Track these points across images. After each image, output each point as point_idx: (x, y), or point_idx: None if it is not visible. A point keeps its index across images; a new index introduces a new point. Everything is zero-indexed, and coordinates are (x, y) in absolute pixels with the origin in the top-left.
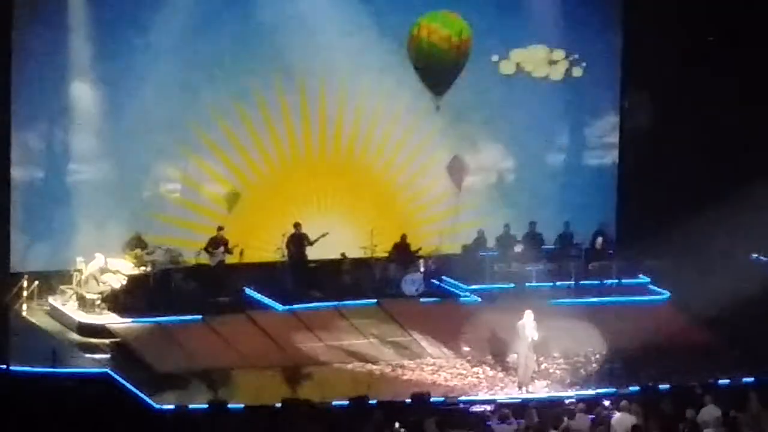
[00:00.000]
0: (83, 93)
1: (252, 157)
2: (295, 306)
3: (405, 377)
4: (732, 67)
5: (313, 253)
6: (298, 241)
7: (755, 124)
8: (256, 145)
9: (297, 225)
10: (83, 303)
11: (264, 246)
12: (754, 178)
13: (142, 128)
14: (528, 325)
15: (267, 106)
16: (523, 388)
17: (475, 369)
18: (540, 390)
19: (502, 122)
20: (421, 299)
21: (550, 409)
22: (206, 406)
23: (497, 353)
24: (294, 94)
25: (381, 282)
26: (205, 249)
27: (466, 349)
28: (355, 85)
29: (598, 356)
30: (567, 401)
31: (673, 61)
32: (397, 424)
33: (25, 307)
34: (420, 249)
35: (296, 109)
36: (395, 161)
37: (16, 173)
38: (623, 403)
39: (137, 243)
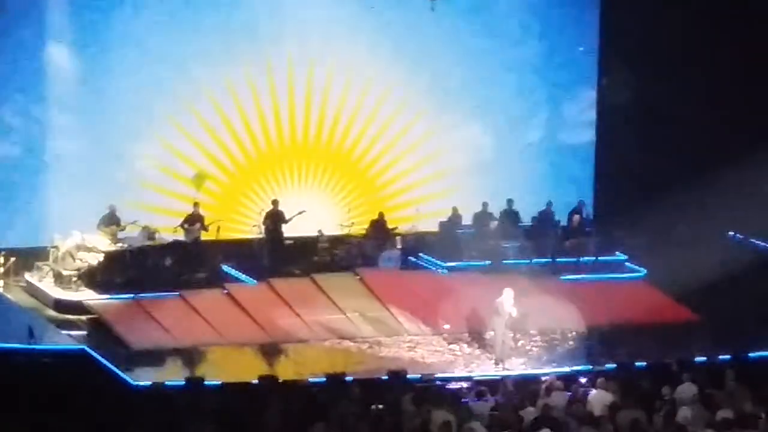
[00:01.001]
0: (60, 70)
1: (229, 134)
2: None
3: (382, 354)
4: (711, 43)
5: (290, 231)
6: (275, 218)
7: (734, 100)
8: (241, 122)
9: (275, 202)
10: (60, 279)
11: (241, 223)
12: (733, 156)
13: (118, 105)
14: (506, 302)
15: (254, 84)
16: (500, 365)
17: (452, 346)
18: (516, 367)
19: (479, 99)
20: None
21: (527, 386)
22: (183, 382)
23: (474, 329)
24: (268, 73)
25: (358, 259)
26: (181, 225)
27: (445, 325)
28: (331, 64)
29: (574, 333)
30: (543, 378)
31: (651, 38)
32: (377, 405)
33: (1, 283)
34: (397, 226)
35: (278, 88)
36: (373, 139)
37: None
38: (600, 380)
39: (111, 219)
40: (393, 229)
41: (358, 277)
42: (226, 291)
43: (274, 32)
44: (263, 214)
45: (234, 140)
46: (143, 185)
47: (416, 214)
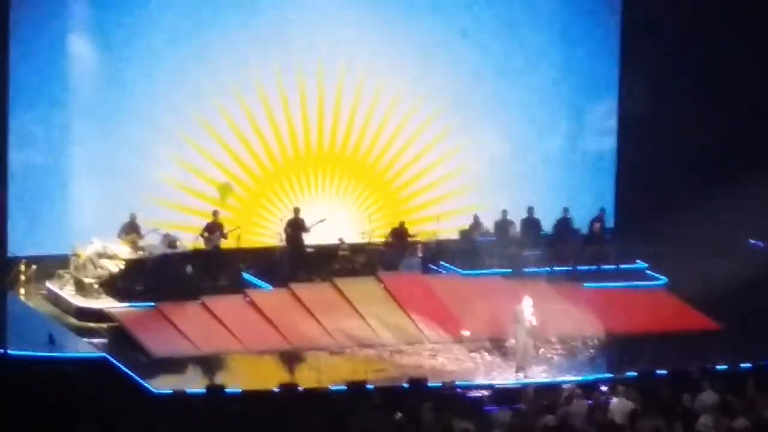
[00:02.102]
0: (83, 77)
1: (250, 142)
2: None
3: (402, 362)
4: (732, 51)
5: (311, 239)
6: (295, 226)
7: (756, 109)
8: (255, 132)
9: (296, 210)
10: (81, 287)
11: (262, 231)
12: (753, 163)
13: (140, 113)
14: (526, 310)
15: (266, 93)
16: (521, 374)
17: (473, 354)
18: (537, 375)
19: (499, 106)
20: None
21: (547, 394)
22: (204, 390)
23: (495, 337)
24: (294, 82)
25: (378, 266)
26: (201, 234)
27: (465, 332)
28: (353, 73)
29: (595, 341)
30: (564, 386)
31: (672, 45)
32: (397, 414)
33: (22, 291)
34: (417, 234)
35: (295, 96)
36: (393, 147)
37: (14, 157)
38: (621, 388)
39: (132, 228)
40: (414, 236)
41: (380, 282)
42: (246, 297)
43: (305, 39)
44: (284, 222)
45: (257, 147)
46: (161, 201)
47: (437, 222)
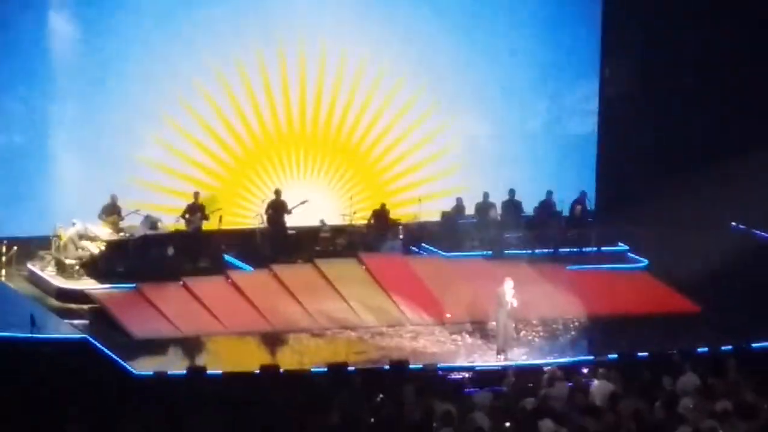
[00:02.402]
0: (63, 58)
1: (232, 123)
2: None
3: (383, 344)
4: (715, 32)
5: (292, 221)
6: (277, 208)
7: (737, 91)
8: (237, 113)
9: (277, 192)
10: (62, 268)
11: (243, 213)
12: (735, 147)
13: (122, 94)
14: (507, 292)
15: (248, 74)
16: (502, 356)
17: (454, 336)
18: (518, 357)
19: (481, 89)
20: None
21: (528, 376)
22: (185, 372)
23: (477, 319)
24: (275, 62)
25: (359, 248)
26: (182, 215)
27: (447, 315)
28: (335, 55)
29: (576, 324)
30: (545, 369)
31: (653, 28)
32: (378, 396)
33: (3, 272)
34: (399, 216)
35: (277, 77)
36: (375, 129)
37: None
38: (601, 370)
39: (113, 209)
40: (395, 218)
41: (361, 263)
42: (228, 278)
43: (286, 19)
44: (265, 203)
45: (238, 128)
46: (142, 182)
47: (418, 204)
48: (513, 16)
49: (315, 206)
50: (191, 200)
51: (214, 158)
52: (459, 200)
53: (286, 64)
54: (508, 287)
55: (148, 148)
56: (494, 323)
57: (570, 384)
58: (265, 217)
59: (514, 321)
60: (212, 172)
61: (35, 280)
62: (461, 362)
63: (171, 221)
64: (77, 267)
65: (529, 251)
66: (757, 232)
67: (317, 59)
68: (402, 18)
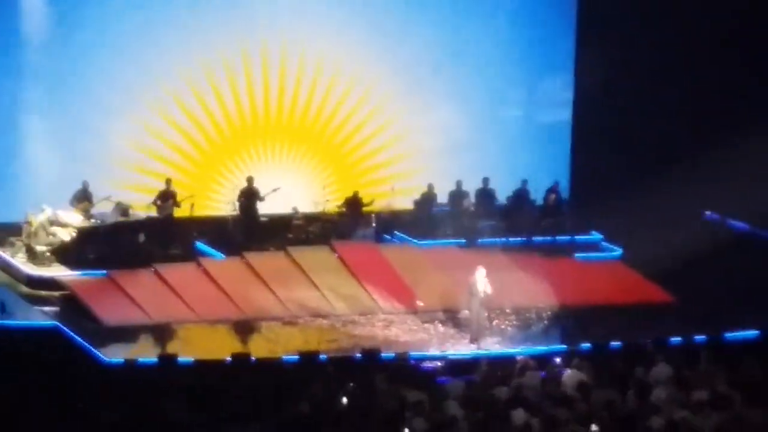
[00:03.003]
0: (32, 42)
1: (208, 108)
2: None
3: (355, 332)
4: (688, 26)
5: (265, 208)
6: (249, 195)
7: (710, 83)
8: (213, 100)
9: (249, 179)
10: (32, 255)
11: (215, 200)
12: (708, 136)
13: (92, 80)
14: (480, 281)
15: (227, 58)
16: (474, 345)
17: (426, 325)
18: (491, 346)
19: (456, 79)
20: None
21: (501, 365)
22: (155, 359)
23: (449, 307)
24: (256, 52)
25: (332, 236)
26: (154, 202)
27: (419, 303)
28: (310, 43)
29: (549, 313)
30: (518, 358)
31: (628, 19)
32: (350, 384)
33: None
34: (372, 204)
35: (258, 64)
36: (351, 119)
37: None
38: (574, 360)
39: (84, 196)
40: (368, 205)
41: (333, 251)
42: (200, 266)
43: (250, 10)
44: (238, 191)
45: (210, 116)
46: (114, 168)
47: (391, 192)
48: (488, 8)
49: (288, 194)
50: (163, 187)
51: (188, 146)
52: (430, 187)
53: (266, 53)
54: (481, 276)
55: (120, 135)
56: (467, 312)
57: (543, 373)
58: (237, 205)
59: (487, 310)
60: (186, 159)
61: (5, 266)
62: (433, 351)
63: (143, 207)
64: (48, 253)
65: (503, 240)
66: (731, 221)
67: (296, 50)
68: (377, 10)
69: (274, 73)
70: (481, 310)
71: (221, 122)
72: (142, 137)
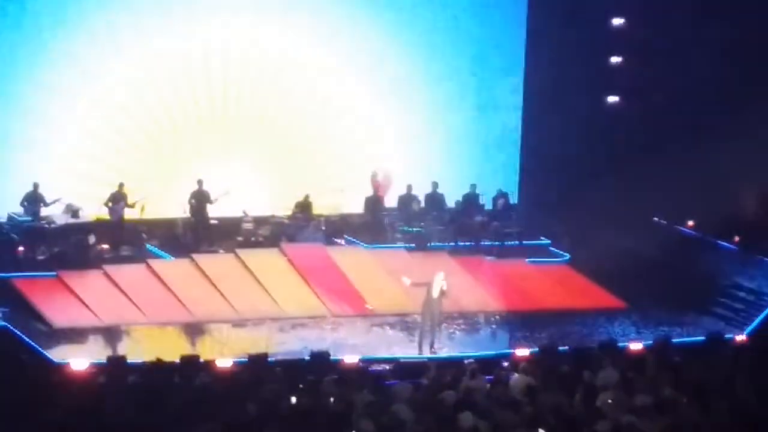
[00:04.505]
0: None
1: (156, 114)
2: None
3: (305, 335)
4: (638, 25)
5: (215, 210)
6: (199, 198)
7: (660, 83)
8: (161, 103)
9: (199, 182)
10: None
11: (166, 203)
12: (656, 142)
13: (41, 82)
14: (436, 286)
15: (174, 64)
16: (423, 348)
17: (375, 328)
18: (439, 350)
19: (406, 81)
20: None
21: (449, 369)
22: (105, 361)
23: (399, 311)
24: (204, 53)
25: (281, 239)
26: (105, 204)
27: (368, 306)
28: (261, 41)
29: (497, 317)
30: (466, 362)
31: (577, 23)
32: (299, 387)
33: None
34: (322, 208)
35: (204, 68)
36: (300, 121)
37: None
38: (522, 364)
39: (35, 197)
40: (316, 209)
41: (283, 254)
42: (148, 267)
43: (207, 6)
44: (188, 193)
45: (162, 118)
46: (64, 170)
47: (341, 195)
48: (439, 10)
49: (238, 197)
50: (115, 189)
51: (138, 148)
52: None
53: (211, 55)
54: (438, 279)
55: (70, 135)
56: (416, 315)
57: (490, 377)
58: (187, 207)
59: (438, 314)
60: (136, 162)
61: None
62: (382, 354)
63: (93, 209)
64: None
65: (452, 244)
66: (679, 227)
67: (244, 51)
68: (328, 10)
69: (223, 76)
70: (431, 314)
71: (172, 124)
72: (93, 141)
